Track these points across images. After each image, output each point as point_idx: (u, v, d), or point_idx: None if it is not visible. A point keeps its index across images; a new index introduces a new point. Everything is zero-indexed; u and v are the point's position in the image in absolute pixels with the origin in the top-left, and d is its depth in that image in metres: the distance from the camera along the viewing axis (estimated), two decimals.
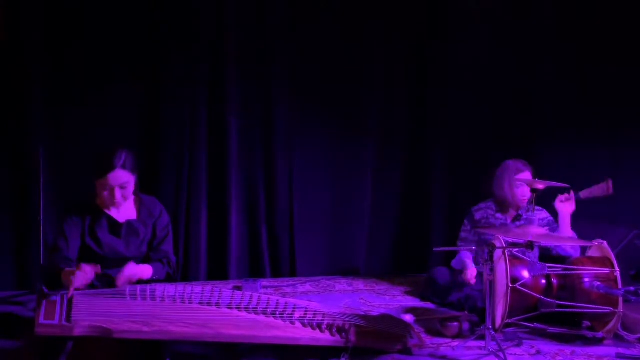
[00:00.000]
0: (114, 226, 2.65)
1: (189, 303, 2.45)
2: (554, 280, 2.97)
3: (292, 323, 2.45)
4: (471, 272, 3.28)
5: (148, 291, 2.46)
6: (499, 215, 3.44)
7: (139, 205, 2.71)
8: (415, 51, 4.21)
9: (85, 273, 2.39)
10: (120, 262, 2.64)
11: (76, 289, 2.37)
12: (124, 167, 2.56)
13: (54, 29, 3.63)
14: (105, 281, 2.62)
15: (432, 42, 4.19)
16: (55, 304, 2.32)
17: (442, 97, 4.23)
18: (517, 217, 3.42)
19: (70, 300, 2.34)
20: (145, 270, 2.62)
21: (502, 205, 3.42)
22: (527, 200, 3.35)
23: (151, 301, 2.42)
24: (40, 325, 2.24)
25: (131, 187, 2.61)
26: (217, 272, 3.96)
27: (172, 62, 3.82)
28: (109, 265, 2.64)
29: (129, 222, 2.67)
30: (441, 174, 4.24)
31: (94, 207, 2.64)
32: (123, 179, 2.57)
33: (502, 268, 2.89)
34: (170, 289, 2.50)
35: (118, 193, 2.57)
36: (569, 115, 4.16)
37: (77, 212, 2.63)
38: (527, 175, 3.34)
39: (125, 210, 2.68)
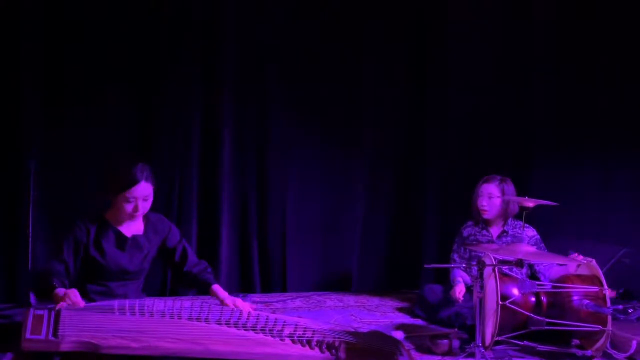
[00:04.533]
0: (120, 240, 2.66)
1: (178, 318, 2.43)
2: (543, 298, 2.98)
3: (282, 339, 2.43)
4: (459, 289, 3.30)
5: (137, 306, 2.44)
6: (485, 232, 3.48)
7: (146, 221, 2.73)
8: (413, 68, 4.25)
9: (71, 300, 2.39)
10: (122, 275, 2.66)
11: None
12: (147, 179, 2.60)
13: (51, 42, 3.63)
14: (103, 292, 2.62)
15: (429, 59, 4.24)
16: (42, 318, 2.30)
17: (438, 114, 4.27)
18: (503, 233, 3.45)
19: (57, 315, 2.31)
20: (227, 296, 2.66)
21: (480, 221, 3.47)
22: (485, 213, 3.40)
23: (140, 316, 2.40)
24: (27, 340, 2.21)
25: (151, 199, 2.65)
26: None
27: (164, 68, 3.82)
28: (110, 278, 2.65)
29: (134, 237, 2.68)
30: (434, 190, 4.27)
31: (102, 220, 2.66)
32: (147, 191, 2.60)
33: (492, 285, 2.90)
34: (159, 303, 2.48)
35: (141, 205, 2.60)
36: (562, 136, 4.21)
37: (84, 225, 2.63)
38: (490, 187, 3.41)
39: (132, 225, 2.69)
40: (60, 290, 2.44)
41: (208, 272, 2.76)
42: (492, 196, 3.41)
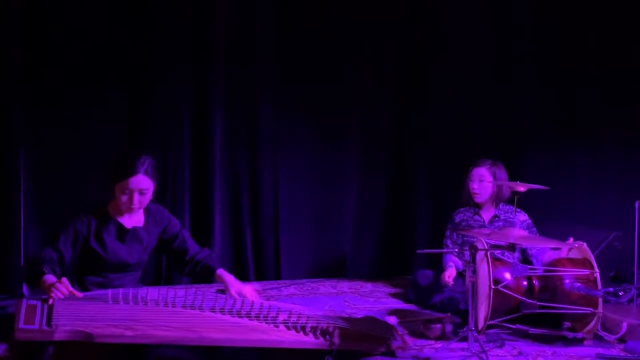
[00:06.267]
0: (121, 232, 2.64)
1: (172, 307, 2.44)
2: (535, 282, 3.00)
3: (276, 326, 2.44)
4: (449, 274, 3.32)
5: (131, 295, 2.44)
6: (477, 217, 3.49)
7: (147, 213, 2.71)
8: (401, 56, 4.24)
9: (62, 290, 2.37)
10: (121, 267, 2.65)
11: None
12: (146, 172, 2.56)
13: (34, 30, 3.59)
14: (101, 283, 2.61)
15: (420, 46, 4.24)
16: (35, 308, 2.30)
17: (429, 100, 4.27)
18: (495, 218, 3.47)
19: (50, 305, 2.31)
20: (233, 281, 2.65)
21: (472, 206, 3.49)
22: (477, 196, 3.42)
23: (134, 305, 2.41)
24: (20, 330, 2.21)
25: (150, 194, 2.61)
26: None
27: (155, 62, 3.79)
28: (110, 269, 2.64)
29: (134, 228, 2.67)
30: (426, 176, 4.28)
31: (104, 212, 2.63)
32: (144, 184, 2.56)
33: (484, 270, 2.92)
34: (153, 292, 2.49)
35: (137, 198, 2.56)
36: (550, 120, 4.23)
37: (86, 218, 2.60)
38: (481, 170, 3.43)
39: (133, 217, 2.68)
40: (49, 277, 2.42)
41: (212, 258, 2.75)
42: (483, 179, 3.42)
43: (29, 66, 3.60)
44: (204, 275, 2.74)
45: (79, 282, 2.60)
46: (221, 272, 2.68)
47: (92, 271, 2.62)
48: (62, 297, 2.36)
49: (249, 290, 2.62)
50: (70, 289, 2.39)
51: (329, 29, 4.10)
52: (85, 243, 2.59)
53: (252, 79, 3.99)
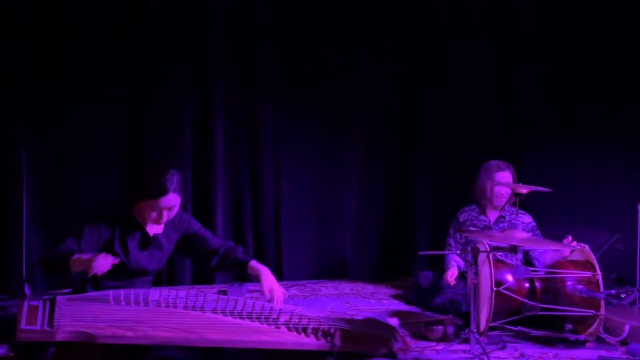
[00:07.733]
0: (144, 240, 2.64)
1: (174, 307, 2.44)
2: (537, 284, 3.00)
3: (278, 327, 2.44)
4: (450, 273, 3.31)
5: (132, 296, 2.44)
6: (482, 217, 3.47)
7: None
8: (402, 56, 4.25)
9: (105, 260, 2.35)
10: (141, 273, 2.65)
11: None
12: (175, 190, 2.56)
13: (35, 30, 3.60)
14: (119, 286, 2.58)
15: (421, 46, 4.25)
16: (37, 308, 2.30)
17: (428, 100, 4.27)
18: (500, 219, 3.46)
19: (52, 305, 2.32)
20: (267, 274, 2.64)
21: (484, 207, 3.47)
22: (502, 200, 3.39)
23: (135, 306, 2.41)
24: (22, 331, 2.21)
25: (177, 208, 2.62)
26: (202, 276, 3.94)
27: (156, 63, 3.81)
28: (129, 275, 2.64)
29: (155, 236, 2.67)
30: (426, 177, 4.28)
31: (130, 218, 2.62)
32: (174, 202, 2.57)
33: (486, 272, 2.92)
34: (154, 293, 2.49)
35: (166, 215, 2.57)
36: (551, 120, 4.22)
37: (110, 223, 2.59)
38: (506, 175, 3.39)
39: (154, 224, 2.68)
40: (84, 254, 2.39)
41: (239, 251, 2.73)
42: (509, 184, 3.37)
43: (31, 67, 3.61)
44: (235, 269, 2.75)
45: (96, 284, 2.59)
46: (254, 263, 2.67)
47: (111, 275, 2.58)
48: (107, 267, 2.33)
49: (278, 291, 2.60)
50: (112, 258, 2.36)
51: (330, 29, 4.11)
52: (108, 249, 2.57)
53: (252, 79, 4.00)
